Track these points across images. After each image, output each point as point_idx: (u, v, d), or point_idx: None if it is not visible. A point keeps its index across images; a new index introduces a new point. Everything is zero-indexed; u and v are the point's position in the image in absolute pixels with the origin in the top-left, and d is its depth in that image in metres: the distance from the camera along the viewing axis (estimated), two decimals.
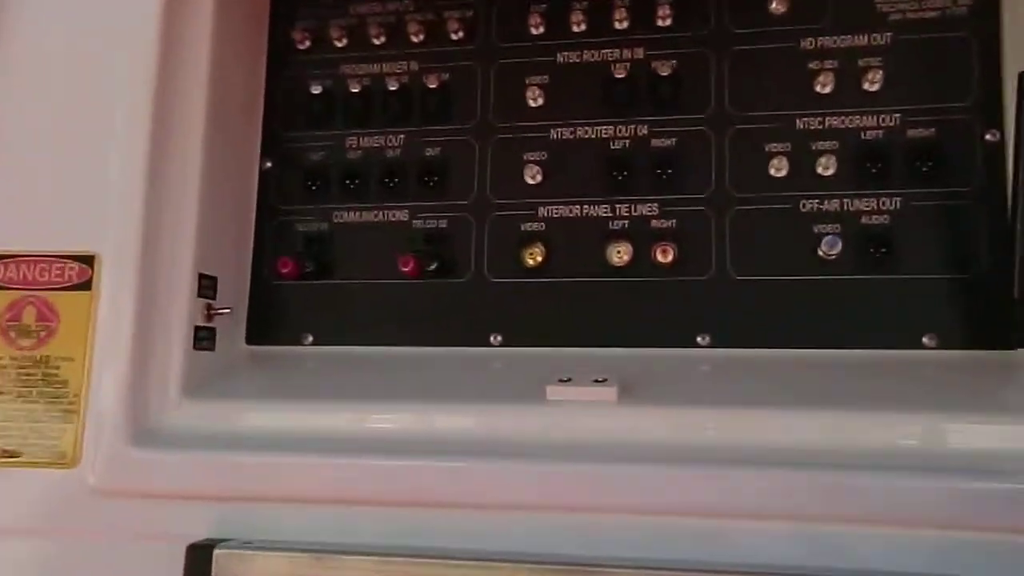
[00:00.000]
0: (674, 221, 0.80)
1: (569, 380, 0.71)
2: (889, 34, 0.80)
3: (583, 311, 0.81)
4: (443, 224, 0.85)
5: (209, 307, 0.80)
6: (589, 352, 0.80)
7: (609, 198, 0.82)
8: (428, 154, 0.86)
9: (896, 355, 0.75)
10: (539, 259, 0.82)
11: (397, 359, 0.83)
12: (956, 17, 0.79)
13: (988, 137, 0.76)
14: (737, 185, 0.80)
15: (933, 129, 0.77)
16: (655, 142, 0.82)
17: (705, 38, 0.83)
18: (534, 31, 0.86)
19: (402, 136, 0.87)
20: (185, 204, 0.78)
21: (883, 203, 0.77)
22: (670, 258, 0.79)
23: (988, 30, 0.78)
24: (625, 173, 0.82)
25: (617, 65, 0.84)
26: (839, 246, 0.75)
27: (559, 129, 0.84)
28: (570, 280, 0.81)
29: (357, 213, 0.87)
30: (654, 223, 0.81)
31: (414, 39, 0.88)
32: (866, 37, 0.80)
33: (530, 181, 0.83)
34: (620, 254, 0.80)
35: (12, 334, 0.79)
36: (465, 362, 0.82)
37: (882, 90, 0.78)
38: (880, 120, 0.78)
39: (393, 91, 0.87)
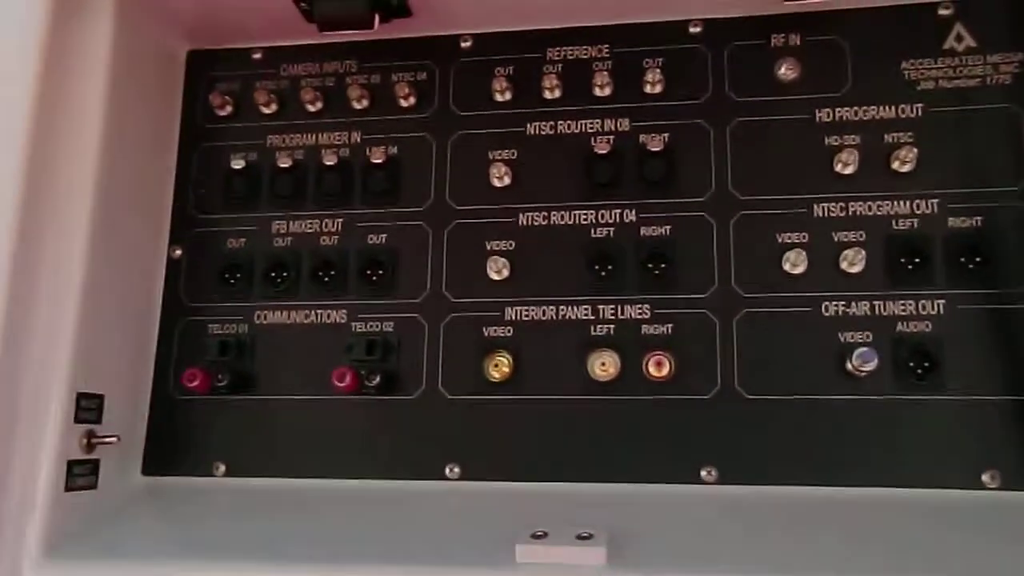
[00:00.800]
0: (670, 326, 0.66)
1: (545, 535, 0.56)
2: (920, 105, 0.67)
3: (560, 437, 0.65)
4: (389, 328, 0.70)
5: (91, 434, 0.64)
6: (568, 490, 0.64)
7: (590, 297, 0.67)
8: (372, 242, 0.71)
9: (949, 496, 0.60)
10: (506, 371, 0.67)
11: (331, 496, 0.67)
12: (999, 86, 0.66)
13: None
14: (745, 283, 0.66)
15: (979, 218, 0.64)
16: (645, 230, 0.68)
17: (702, 108, 0.70)
18: (499, 97, 0.72)
19: (340, 221, 0.72)
20: (60, 304, 0.62)
21: (923, 306, 0.64)
22: (665, 371, 0.65)
23: None
24: (609, 267, 0.68)
25: (599, 138, 0.70)
26: (875, 361, 0.61)
27: (529, 214, 0.70)
28: (543, 398, 0.66)
29: (284, 313, 0.71)
30: (645, 328, 0.66)
31: (356, 105, 0.74)
32: (893, 109, 0.67)
33: (495, 276, 0.68)
34: (604, 366, 0.65)
35: None
36: (415, 500, 0.66)
37: (915, 171, 0.66)
38: (915, 207, 0.65)
39: (330, 167, 0.73)
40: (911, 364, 0.63)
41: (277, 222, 0.73)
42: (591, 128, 0.71)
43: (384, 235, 0.71)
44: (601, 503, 0.63)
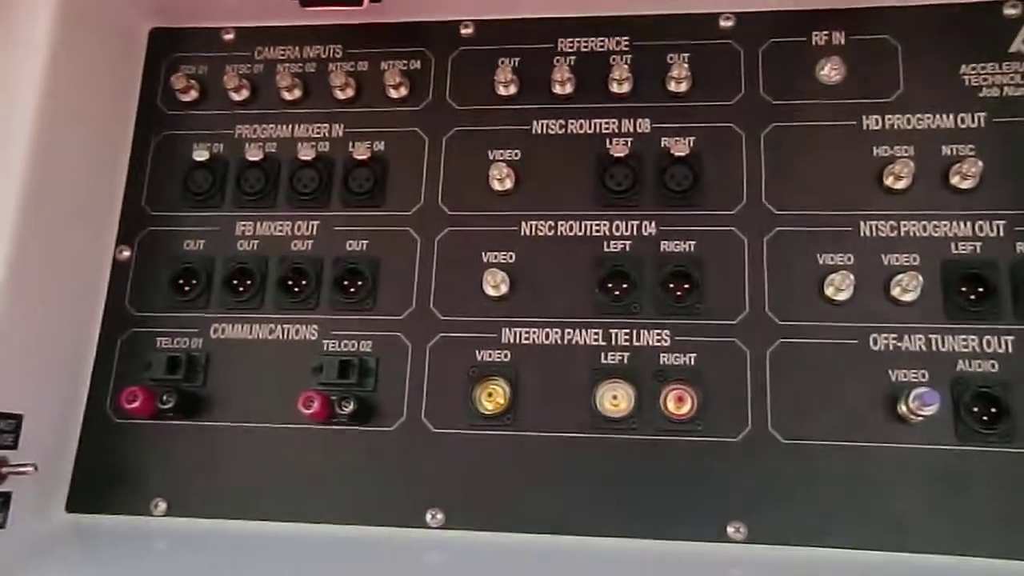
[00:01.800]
0: (693, 356, 0.57)
1: None
2: (982, 114, 0.59)
3: (561, 481, 0.56)
4: (366, 347, 0.60)
5: (1, 462, 0.53)
6: (571, 544, 0.55)
7: (602, 320, 0.58)
8: (351, 249, 0.62)
9: (1020, 568, 0.51)
10: (500, 402, 0.57)
11: (291, 542, 0.56)
12: None
13: None
14: (779, 309, 0.57)
15: None
16: (666, 245, 0.59)
17: (733, 110, 0.61)
18: (502, 90, 0.63)
19: (315, 224, 0.63)
20: None
21: (988, 343, 0.55)
22: (687, 409, 0.56)
23: None
24: (624, 286, 0.59)
25: (615, 140, 0.61)
26: (936, 403, 0.52)
27: (533, 222, 0.61)
28: (544, 435, 0.57)
29: (245, 327, 0.62)
30: (664, 358, 0.57)
31: (340, 95, 0.65)
32: (952, 118, 0.59)
33: (491, 292, 0.59)
34: (616, 400, 0.56)
35: None
36: (388, 551, 0.56)
37: (979, 188, 0.57)
38: (977, 228, 0.57)
39: (307, 162, 0.63)
40: (974, 410, 0.54)
41: (243, 223, 0.64)
42: (607, 128, 0.62)
43: (365, 241, 0.62)
44: (610, 561, 0.53)
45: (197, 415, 0.60)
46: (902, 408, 0.54)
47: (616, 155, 0.60)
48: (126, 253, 0.64)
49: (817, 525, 0.53)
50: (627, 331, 0.58)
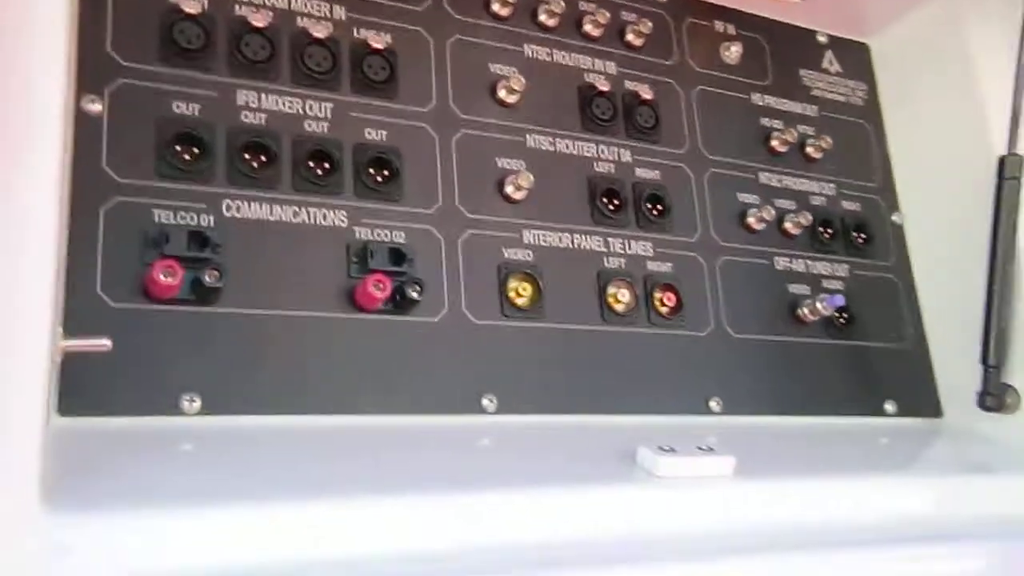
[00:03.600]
0: (670, 265, 0.68)
1: (673, 450, 0.53)
2: (815, 107, 0.81)
3: (587, 367, 0.62)
4: (400, 238, 0.59)
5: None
6: (601, 421, 0.62)
7: (602, 230, 0.66)
8: (371, 138, 0.60)
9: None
10: (529, 298, 0.61)
11: (343, 434, 0.53)
12: (856, 105, 0.83)
13: (894, 219, 0.81)
14: (722, 234, 0.71)
15: (859, 204, 0.80)
16: (640, 172, 0.69)
17: (672, 69, 0.74)
18: (496, 7, 0.67)
19: (329, 106, 0.59)
20: None
21: (836, 269, 0.76)
22: (671, 308, 0.67)
23: (878, 121, 0.84)
24: (616, 202, 0.67)
25: (591, 75, 0.70)
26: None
27: (536, 137, 0.66)
28: (568, 327, 0.62)
29: (265, 207, 0.55)
30: (651, 265, 0.67)
31: None
32: (800, 106, 0.80)
33: (514, 195, 0.63)
34: (619, 299, 0.65)
35: None
36: (456, 435, 0.56)
37: (822, 160, 0.79)
38: (822, 188, 0.78)
39: (315, 39, 0.59)
40: (836, 313, 0.74)
41: (244, 92, 0.57)
42: (584, 64, 0.70)
43: (384, 132, 0.60)
44: (624, 430, 0.62)
45: (218, 302, 0.52)
46: (803, 311, 0.72)
47: (601, 88, 0.69)
48: (96, 106, 0.52)
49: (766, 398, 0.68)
50: (621, 241, 0.67)
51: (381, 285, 0.54)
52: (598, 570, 0.47)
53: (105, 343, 0.43)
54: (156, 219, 0.52)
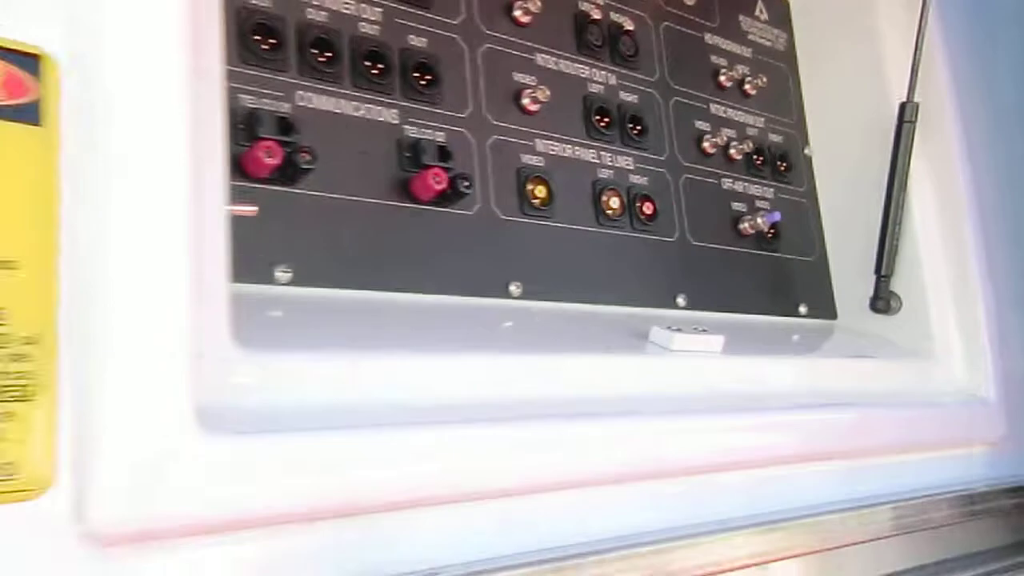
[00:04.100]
0: (647, 179, 0.78)
1: (679, 329, 0.64)
2: (750, 49, 0.93)
3: (597, 262, 0.72)
4: (440, 138, 0.65)
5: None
6: (609, 311, 0.72)
7: (595, 144, 0.75)
8: (413, 44, 0.65)
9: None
10: (545, 198, 0.70)
11: (396, 309, 0.60)
12: (778, 50, 0.96)
13: (806, 152, 0.95)
14: (684, 155, 0.82)
15: (781, 138, 0.93)
16: (622, 95, 0.79)
17: (647, 4, 0.83)
18: None
19: (379, 10, 0.64)
20: None
21: (765, 192, 0.89)
22: (649, 213, 0.77)
23: (795, 66, 0.98)
24: (606, 120, 0.76)
25: (584, 4, 0.78)
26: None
27: (544, 56, 0.74)
28: (576, 228, 0.72)
29: (332, 100, 0.60)
30: (633, 178, 0.77)
31: None
32: (739, 47, 0.92)
33: (530, 107, 0.70)
34: (612, 205, 0.74)
35: None
36: (490, 314, 0.64)
37: (755, 96, 0.91)
38: (756, 121, 0.91)
39: None
40: (767, 232, 0.88)
41: None
42: None
43: (424, 39, 0.66)
44: (630, 319, 0.72)
45: (295, 183, 0.57)
46: (743, 225, 0.84)
47: (594, 17, 0.77)
48: None
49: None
50: (610, 155, 0.76)
51: (439, 178, 0.61)
52: (626, 420, 0.57)
53: (253, 208, 0.48)
54: (242, 103, 0.56)
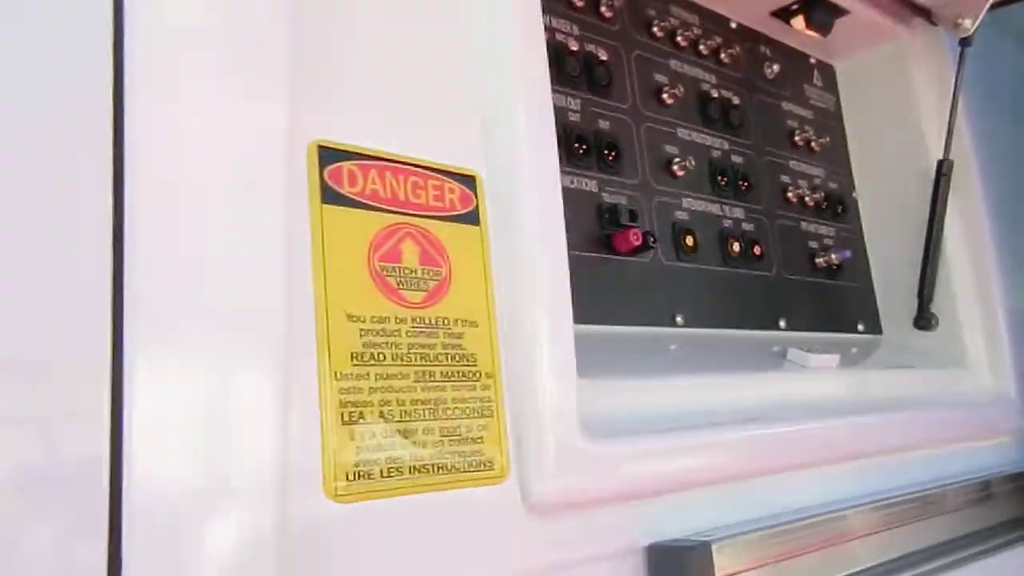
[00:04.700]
0: (753, 226, 0.97)
1: (810, 350, 0.83)
2: (811, 112, 1.13)
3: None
4: (625, 201, 0.83)
5: None
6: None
7: (718, 199, 0.94)
8: (602, 126, 0.83)
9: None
10: (691, 245, 0.88)
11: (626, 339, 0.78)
12: (830, 111, 1.16)
13: (854, 195, 1.16)
14: (776, 203, 1.02)
15: (838, 185, 1.13)
16: (734, 158, 0.97)
17: (737, 75, 1.02)
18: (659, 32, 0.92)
19: (577, 103, 0.82)
20: None
21: (828, 232, 1.09)
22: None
23: (842, 125, 1.18)
24: (725, 179, 0.95)
25: (704, 85, 0.96)
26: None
27: (683, 130, 0.92)
28: (711, 268, 0.90)
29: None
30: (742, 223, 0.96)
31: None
32: (805, 111, 1.11)
33: (678, 172, 0.89)
34: None
35: (392, 280, 0.50)
36: (668, 340, 0.82)
37: (820, 152, 1.11)
38: (821, 172, 1.11)
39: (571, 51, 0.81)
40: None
41: None
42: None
43: (607, 122, 0.84)
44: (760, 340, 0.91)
45: None
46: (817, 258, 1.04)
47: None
48: None
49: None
50: (728, 208, 0.95)
51: (636, 236, 0.79)
52: (785, 423, 0.76)
53: None
54: None
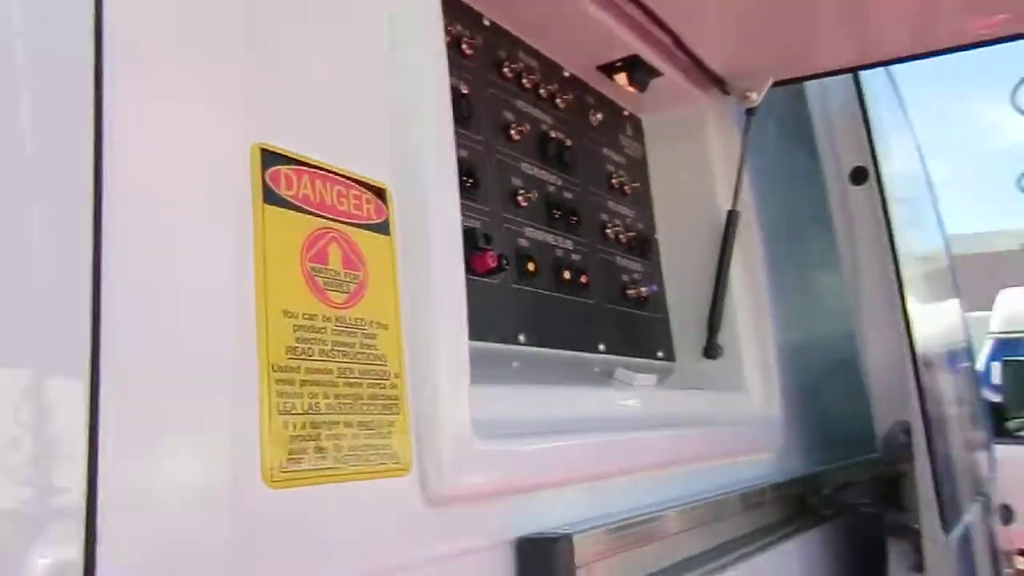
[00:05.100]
0: (581, 257, 1.07)
1: (634, 373, 0.94)
2: (624, 159, 1.25)
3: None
4: (479, 226, 0.89)
5: None
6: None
7: (552, 230, 1.03)
8: (463, 155, 0.89)
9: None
10: (532, 270, 0.96)
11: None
12: (638, 159, 1.30)
13: (656, 236, 1.30)
14: (598, 239, 1.12)
15: (644, 225, 1.26)
16: (565, 194, 1.07)
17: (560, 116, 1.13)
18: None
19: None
20: None
21: (637, 267, 1.22)
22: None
23: (647, 172, 1.32)
24: (559, 212, 1.04)
25: (544, 127, 1.05)
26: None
27: (526, 165, 1.00)
28: (547, 293, 0.98)
29: None
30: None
31: None
32: (621, 157, 1.24)
33: (522, 203, 0.97)
34: None
35: (320, 280, 0.53)
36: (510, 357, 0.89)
37: (631, 195, 1.24)
38: (632, 213, 1.23)
39: None
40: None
41: None
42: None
43: (466, 152, 0.90)
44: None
45: None
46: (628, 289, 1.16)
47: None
48: None
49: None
50: (560, 239, 1.04)
51: (492, 259, 0.85)
52: (618, 431, 0.85)
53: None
54: None
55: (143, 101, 0.43)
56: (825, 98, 1.44)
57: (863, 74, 1.43)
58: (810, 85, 1.47)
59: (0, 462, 0.36)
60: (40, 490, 0.38)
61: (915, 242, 1.88)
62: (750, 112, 1.28)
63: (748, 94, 1.28)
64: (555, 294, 1.00)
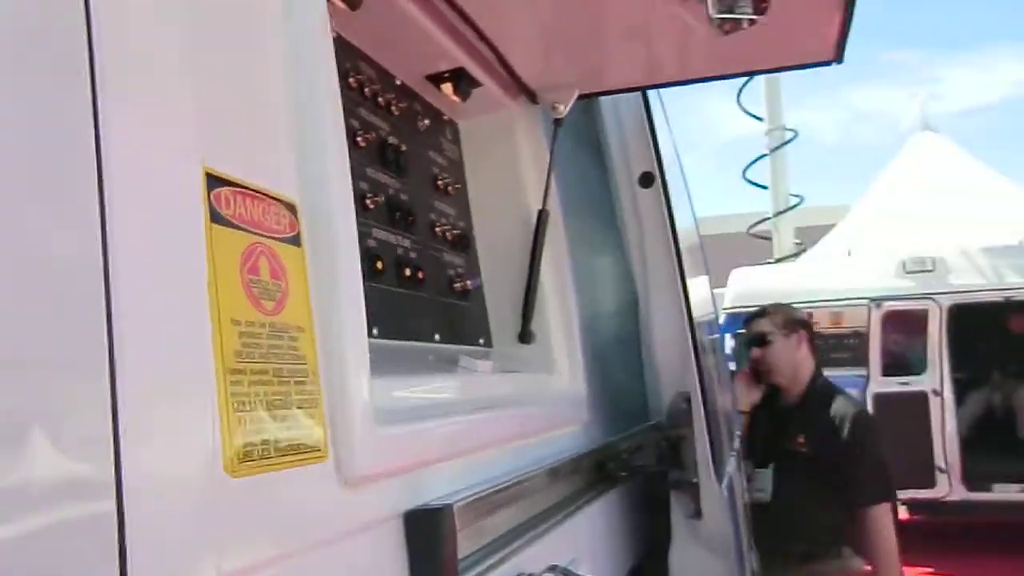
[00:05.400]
0: (416, 254, 1.16)
1: (479, 358, 1.05)
2: (447, 161, 1.36)
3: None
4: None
5: None
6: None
7: (394, 231, 1.11)
8: None
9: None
10: (380, 268, 1.04)
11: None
12: (457, 162, 1.41)
13: (473, 234, 1.41)
14: (428, 236, 1.22)
15: (465, 223, 1.37)
16: (402, 196, 1.15)
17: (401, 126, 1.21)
18: None
19: None
20: None
21: (460, 262, 1.33)
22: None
23: (463, 172, 1.43)
24: (400, 213, 1.13)
25: (381, 133, 1.13)
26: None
27: (371, 170, 1.08)
28: (393, 290, 1.07)
29: None
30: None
31: None
32: (444, 159, 1.34)
33: (370, 205, 1.04)
34: None
35: (256, 290, 0.60)
36: None
37: (454, 195, 1.34)
38: (454, 211, 1.34)
39: None
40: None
41: None
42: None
43: None
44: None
45: None
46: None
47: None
48: None
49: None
50: (399, 238, 1.12)
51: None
52: (478, 412, 0.96)
53: None
54: None
55: (125, 127, 0.47)
56: (618, 112, 1.62)
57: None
58: (604, 100, 1.64)
59: None
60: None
61: (683, 231, 2.13)
62: (557, 122, 1.43)
63: (556, 105, 1.42)
64: (399, 290, 1.08)
